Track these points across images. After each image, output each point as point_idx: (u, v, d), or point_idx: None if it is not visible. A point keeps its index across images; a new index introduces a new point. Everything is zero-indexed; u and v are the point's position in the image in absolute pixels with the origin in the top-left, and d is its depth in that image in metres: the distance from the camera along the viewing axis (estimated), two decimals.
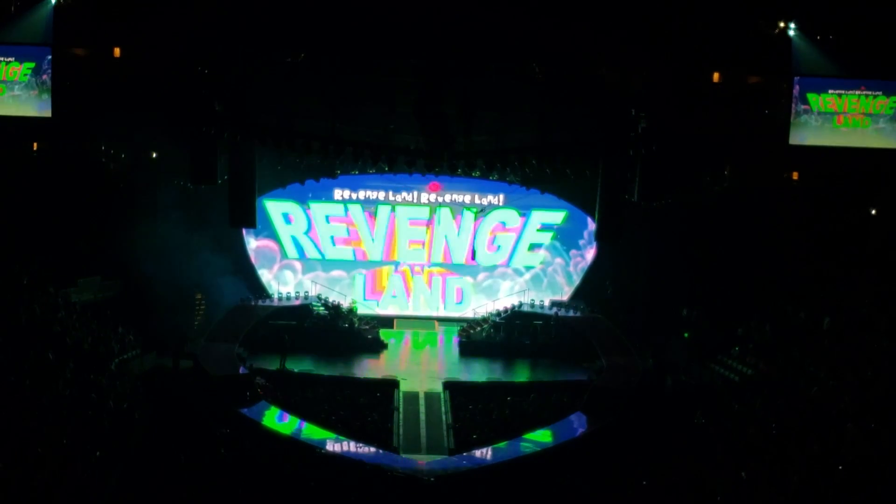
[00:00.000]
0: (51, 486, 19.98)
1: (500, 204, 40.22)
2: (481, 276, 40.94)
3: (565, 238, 40.75)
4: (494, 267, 40.93)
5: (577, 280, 40.90)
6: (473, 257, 40.47)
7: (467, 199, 40.14)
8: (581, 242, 40.66)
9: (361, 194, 40.14)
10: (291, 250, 40.61)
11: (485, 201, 40.08)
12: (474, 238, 40.38)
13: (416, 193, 40.14)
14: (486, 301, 40.41)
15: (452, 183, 39.09)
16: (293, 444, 26.50)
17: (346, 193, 40.07)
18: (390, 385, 31.46)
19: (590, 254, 40.63)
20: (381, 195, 40.14)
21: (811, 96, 33.62)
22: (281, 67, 33.36)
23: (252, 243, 40.31)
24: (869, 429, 21.62)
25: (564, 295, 40.58)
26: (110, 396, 26.15)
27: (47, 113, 33.51)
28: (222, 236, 37.42)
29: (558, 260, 40.87)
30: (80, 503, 20.52)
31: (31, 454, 20.88)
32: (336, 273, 40.73)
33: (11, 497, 19.04)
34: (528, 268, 40.99)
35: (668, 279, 36.83)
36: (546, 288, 40.75)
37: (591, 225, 38.56)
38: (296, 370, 32.53)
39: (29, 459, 20.60)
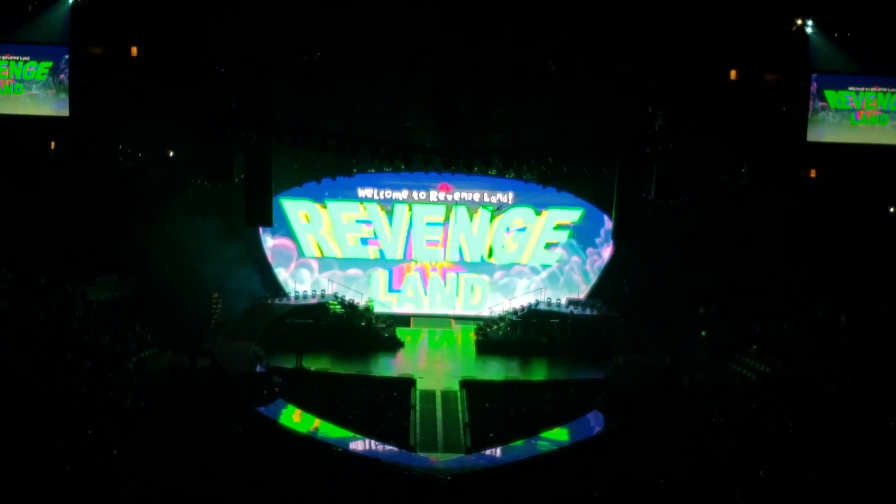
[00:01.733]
0: (69, 483, 20.06)
1: (516, 202, 40.11)
2: (498, 274, 40.85)
3: (582, 236, 40.62)
4: (511, 265, 40.84)
5: (593, 278, 40.79)
6: (490, 255, 40.40)
7: (483, 197, 40.04)
8: (598, 240, 40.54)
9: (378, 192, 40.12)
10: (308, 249, 40.61)
11: (503, 199, 39.97)
12: (491, 237, 40.30)
13: (433, 192, 40.08)
14: (502, 299, 40.32)
15: (467, 181, 39.00)
16: (310, 442, 26.55)
17: (363, 192, 40.06)
18: (407, 383, 31.49)
19: (606, 252, 40.51)
20: (398, 194, 40.12)
21: (829, 93, 33.46)
22: (297, 66, 33.43)
23: (269, 242, 40.36)
24: (887, 427, 21.53)
25: (581, 293, 40.47)
26: (127, 395, 26.25)
27: (65, 112, 33.68)
28: (239, 235, 37.43)
29: (575, 258, 40.76)
30: (98, 501, 20.59)
31: (49, 452, 20.97)
32: (353, 272, 40.71)
33: (30, 495, 19.12)
34: (545, 266, 40.87)
35: (685, 277, 36.64)
36: (563, 286, 40.63)
37: (608, 223, 38.46)
38: (312, 368, 32.61)
39: (47, 457, 20.70)
